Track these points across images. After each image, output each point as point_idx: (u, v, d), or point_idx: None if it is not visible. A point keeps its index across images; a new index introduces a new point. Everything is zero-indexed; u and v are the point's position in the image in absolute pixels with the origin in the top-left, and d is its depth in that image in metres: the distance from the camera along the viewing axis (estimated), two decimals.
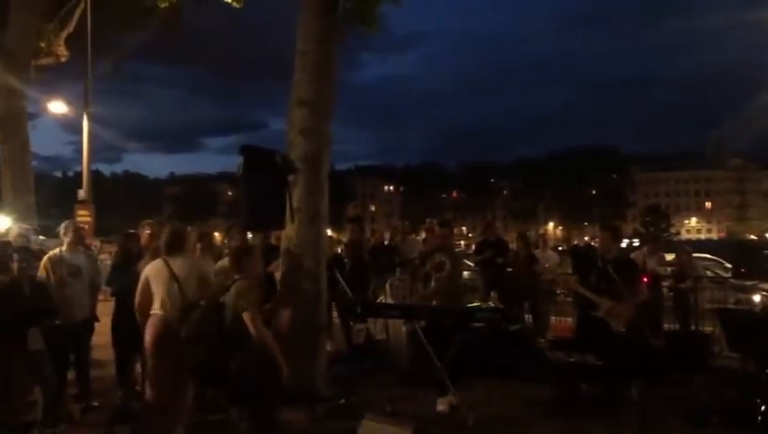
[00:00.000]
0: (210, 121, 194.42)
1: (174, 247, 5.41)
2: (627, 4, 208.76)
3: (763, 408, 5.53)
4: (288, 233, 6.86)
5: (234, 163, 6.37)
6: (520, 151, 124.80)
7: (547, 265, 10.39)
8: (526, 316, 10.09)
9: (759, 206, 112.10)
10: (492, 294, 10.50)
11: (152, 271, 5.37)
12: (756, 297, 8.27)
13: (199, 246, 6.57)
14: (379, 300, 9.04)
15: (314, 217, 6.91)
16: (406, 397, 6.57)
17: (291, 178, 6.63)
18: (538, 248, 11.19)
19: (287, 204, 6.48)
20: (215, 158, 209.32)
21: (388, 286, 8.73)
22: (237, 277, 4.83)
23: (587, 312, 6.28)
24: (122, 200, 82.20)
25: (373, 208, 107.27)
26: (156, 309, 5.22)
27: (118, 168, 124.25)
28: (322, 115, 7.00)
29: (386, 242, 11.38)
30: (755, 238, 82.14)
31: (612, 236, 6.28)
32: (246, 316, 4.56)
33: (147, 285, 5.32)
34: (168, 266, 5.28)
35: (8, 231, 8.28)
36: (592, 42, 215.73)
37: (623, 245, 20.43)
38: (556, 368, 7.60)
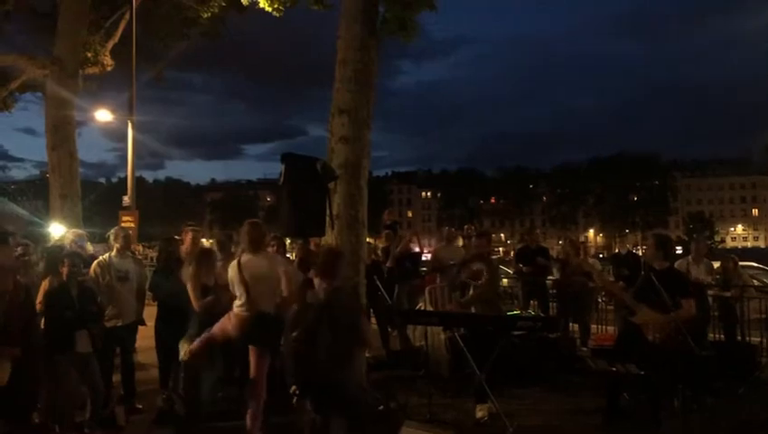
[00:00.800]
0: (250, 128, 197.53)
1: (256, 244, 5.55)
2: (671, 5, 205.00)
3: None
4: (328, 240, 6.93)
5: (274, 169, 6.53)
6: (560, 157, 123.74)
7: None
8: (570, 324, 9.95)
9: None
10: (532, 302, 10.41)
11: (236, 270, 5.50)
12: None
13: (273, 247, 6.72)
14: (418, 307, 9.05)
15: (354, 224, 6.96)
16: (444, 404, 6.57)
17: (331, 185, 6.69)
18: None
19: (327, 211, 6.55)
20: (255, 165, 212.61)
21: (427, 293, 8.73)
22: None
23: (625, 317, 6.18)
24: (163, 205, 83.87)
25: (410, 214, 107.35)
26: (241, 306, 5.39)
27: (161, 175, 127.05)
28: (361, 123, 7.06)
29: (416, 249, 11.30)
30: None
31: (658, 245, 6.15)
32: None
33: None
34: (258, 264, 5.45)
35: (63, 237, 8.52)
36: (635, 46, 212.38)
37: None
38: (597, 377, 7.52)
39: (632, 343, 5.91)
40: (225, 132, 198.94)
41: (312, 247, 8.14)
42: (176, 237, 7.48)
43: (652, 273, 5.92)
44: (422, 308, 8.71)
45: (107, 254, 6.75)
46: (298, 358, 4.66)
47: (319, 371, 4.50)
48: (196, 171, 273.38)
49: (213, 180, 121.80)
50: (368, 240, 9.27)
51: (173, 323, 6.02)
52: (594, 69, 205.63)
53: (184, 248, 7.05)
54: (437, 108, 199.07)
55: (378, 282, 8.66)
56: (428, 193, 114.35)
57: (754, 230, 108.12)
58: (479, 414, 6.16)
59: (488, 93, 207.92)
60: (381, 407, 6.41)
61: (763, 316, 9.03)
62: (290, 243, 9.36)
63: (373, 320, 9.23)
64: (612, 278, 10.30)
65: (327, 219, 6.61)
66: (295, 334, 4.78)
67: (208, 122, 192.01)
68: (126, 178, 17.98)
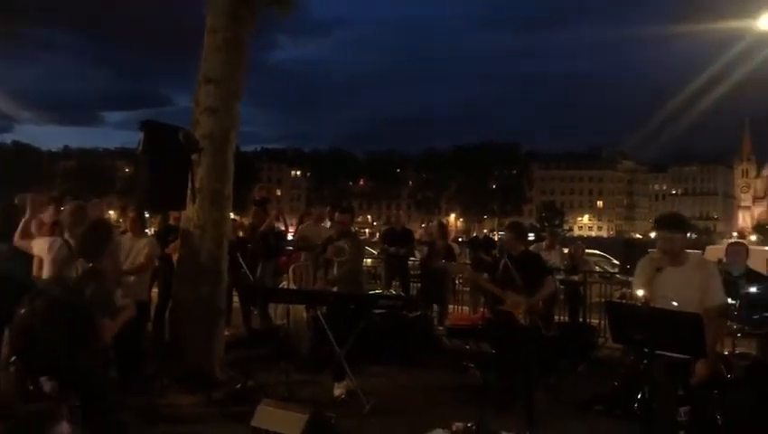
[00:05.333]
0: (113, 95, 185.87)
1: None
2: (538, 4, 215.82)
3: (639, 396, 5.87)
4: (189, 214, 6.67)
5: (134, 139, 6.11)
6: (428, 143, 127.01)
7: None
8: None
9: (645, 207, 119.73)
10: (395, 282, 10.63)
11: None
12: (639, 292, 8.73)
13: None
14: (281, 285, 8.96)
15: (218, 198, 6.74)
16: (304, 382, 6.56)
17: (195, 157, 6.43)
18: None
19: (189, 184, 6.29)
20: (114, 133, 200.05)
21: (291, 271, 8.65)
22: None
23: (494, 307, 6.46)
24: (11, 172, 77.13)
25: (279, 192, 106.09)
26: None
27: (8, 138, 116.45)
28: (230, 94, 6.83)
29: (281, 226, 11.12)
30: (641, 236, 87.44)
31: (516, 235, 6.48)
32: None
33: None
34: None
35: None
36: (502, 40, 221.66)
37: None
38: (453, 355, 7.84)
39: (504, 327, 6.17)
40: (85, 97, 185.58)
41: (171, 221, 7.82)
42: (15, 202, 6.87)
43: (510, 259, 6.23)
44: (285, 286, 8.64)
45: None
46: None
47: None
48: (49, 136, 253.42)
49: (67, 147, 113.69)
50: (233, 216, 9.04)
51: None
52: (462, 58, 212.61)
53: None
54: (312, 88, 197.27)
55: (241, 259, 8.46)
56: (298, 173, 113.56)
57: (599, 220, 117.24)
58: (337, 392, 6.21)
59: (363, 76, 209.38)
60: (239, 385, 6.31)
61: (603, 299, 9.78)
62: None
63: (235, 298, 9.05)
64: (467, 261, 10.80)
65: (189, 192, 6.34)
66: None
67: (67, 85, 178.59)
68: None
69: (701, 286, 4.32)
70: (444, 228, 11.21)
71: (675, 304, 4.24)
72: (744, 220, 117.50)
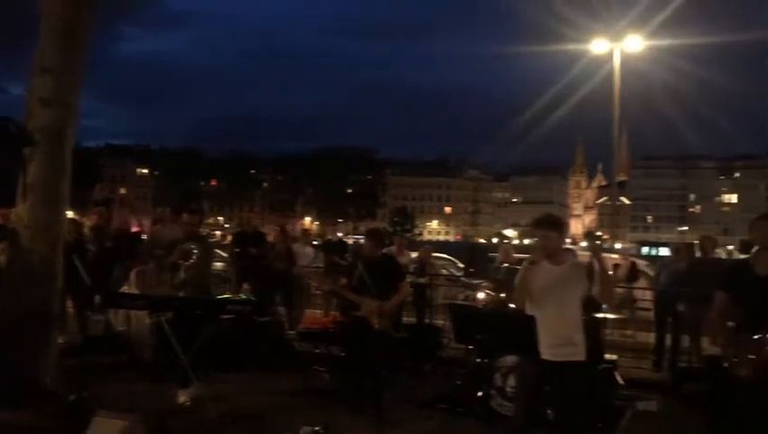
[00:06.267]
0: None
1: None
2: (394, 15, 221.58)
3: (479, 394, 6.20)
4: (19, 213, 6.13)
5: None
6: (284, 146, 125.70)
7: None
8: (280, 308, 10.20)
9: (489, 213, 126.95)
10: (245, 286, 10.44)
11: None
12: (481, 295, 9.23)
13: None
14: (123, 289, 8.51)
15: (52, 196, 6.26)
16: (147, 391, 6.25)
17: (27, 151, 5.94)
18: (297, 241, 11.53)
19: (21, 180, 5.81)
20: None
21: (133, 275, 8.23)
22: None
23: (350, 313, 6.50)
24: None
25: (124, 191, 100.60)
26: None
27: None
28: (68, 85, 6.36)
29: (134, 228, 10.72)
30: (484, 242, 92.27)
31: (376, 241, 6.57)
32: None
33: None
34: None
35: None
36: (359, 46, 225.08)
37: None
38: (303, 359, 7.83)
39: (357, 331, 6.23)
40: None
41: None
42: None
43: (367, 264, 6.31)
44: (127, 291, 8.20)
45: None
46: None
47: None
48: None
49: None
50: (72, 216, 8.45)
51: None
52: (319, 63, 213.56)
53: None
54: (165, 83, 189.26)
55: (77, 262, 7.93)
56: (145, 171, 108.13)
57: (446, 226, 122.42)
58: (181, 399, 5.99)
59: (219, 73, 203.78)
60: (74, 397, 5.90)
61: (448, 301, 10.22)
62: None
63: (70, 303, 8.45)
64: (322, 265, 10.88)
65: (20, 189, 5.84)
66: None
67: None
68: None
69: (578, 283, 4.55)
70: (284, 231, 11.24)
71: (555, 301, 4.46)
72: (576, 227, 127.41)
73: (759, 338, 4.17)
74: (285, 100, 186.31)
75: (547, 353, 4.47)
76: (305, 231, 15.10)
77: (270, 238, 11.17)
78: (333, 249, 11.45)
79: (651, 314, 9.74)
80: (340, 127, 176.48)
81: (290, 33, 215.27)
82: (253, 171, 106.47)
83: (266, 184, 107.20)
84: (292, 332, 8.99)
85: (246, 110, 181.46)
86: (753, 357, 4.15)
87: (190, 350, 5.90)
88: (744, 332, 4.25)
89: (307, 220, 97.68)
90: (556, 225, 4.70)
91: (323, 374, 7.45)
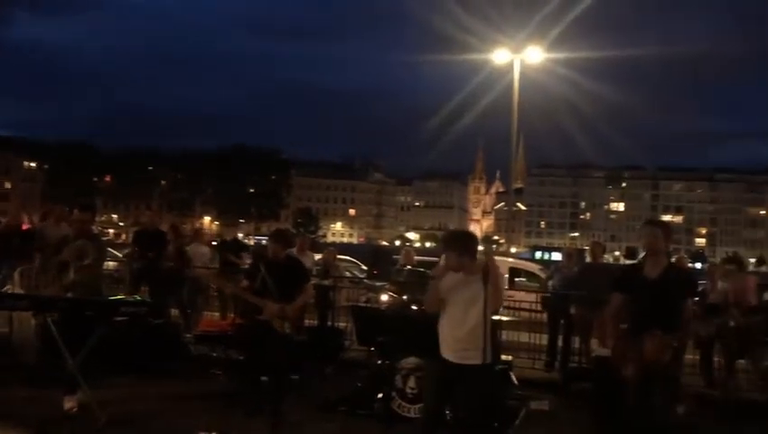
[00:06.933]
0: None
1: None
2: (306, 16, 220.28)
3: (380, 395, 6.23)
4: None
5: None
6: (187, 143, 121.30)
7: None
8: (173, 310, 9.88)
9: (392, 216, 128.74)
10: (143, 287, 10.06)
11: None
12: (384, 297, 9.29)
13: None
14: (5, 289, 8.00)
15: None
16: (30, 397, 5.91)
17: None
18: (194, 241, 11.19)
19: None
20: None
21: (17, 274, 7.75)
22: None
23: (249, 314, 6.36)
24: None
25: (9, 186, 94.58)
26: None
27: None
28: None
29: (25, 226, 10.08)
30: (387, 244, 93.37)
31: (281, 243, 6.46)
32: None
33: None
34: None
35: None
36: (266, 46, 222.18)
37: None
38: (200, 362, 7.62)
39: (257, 334, 6.10)
40: None
41: None
42: None
43: (270, 267, 6.19)
44: (11, 291, 7.71)
45: None
46: None
47: None
48: None
49: None
50: None
51: None
52: (224, 59, 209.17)
53: None
54: (58, 73, 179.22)
55: None
56: (33, 164, 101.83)
57: (351, 228, 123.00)
58: (68, 405, 5.67)
59: (116, 64, 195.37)
60: None
61: (351, 303, 10.23)
62: None
63: None
64: (217, 265, 10.67)
65: None
66: None
67: None
68: None
69: (479, 286, 4.59)
70: (176, 230, 10.93)
71: (459, 304, 4.52)
72: (475, 231, 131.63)
73: (639, 338, 4.43)
74: (189, 97, 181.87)
75: (449, 354, 4.54)
76: (198, 231, 14.63)
77: None
78: (228, 248, 11.22)
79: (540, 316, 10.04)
80: (245, 126, 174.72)
81: (199, 28, 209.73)
82: (151, 168, 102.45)
83: (164, 182, 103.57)
84: (188, 335, 8.72)
85: (146, 106, 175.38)
86: (636, 357, 4.40)
87: (78, 353, 5.61)
88: (633, 333, 4.50)
89: (207, 219, 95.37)
90: (454, 246, 4.72)
91: (220, 378, 7.27)
